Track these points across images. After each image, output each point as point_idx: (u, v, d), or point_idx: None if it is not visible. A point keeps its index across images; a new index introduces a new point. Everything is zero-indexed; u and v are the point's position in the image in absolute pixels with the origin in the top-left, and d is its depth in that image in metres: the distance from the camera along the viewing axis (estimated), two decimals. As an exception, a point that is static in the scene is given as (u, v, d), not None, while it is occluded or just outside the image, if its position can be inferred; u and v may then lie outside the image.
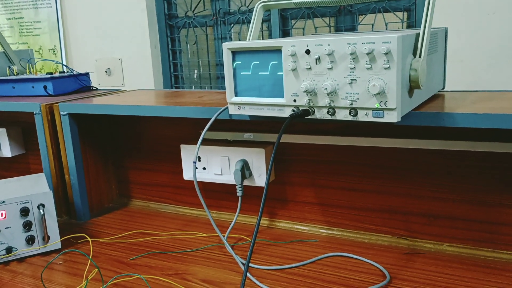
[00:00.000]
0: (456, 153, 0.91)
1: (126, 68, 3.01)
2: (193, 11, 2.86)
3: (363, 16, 2.49)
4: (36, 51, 3.34)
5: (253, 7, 2.67)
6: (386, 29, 2.44)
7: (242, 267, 0.92)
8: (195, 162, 0.96)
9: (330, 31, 2.60)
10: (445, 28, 0.99)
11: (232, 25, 2.78)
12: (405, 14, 2.38)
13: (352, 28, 2.54)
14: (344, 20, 2.52)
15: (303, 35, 2.66)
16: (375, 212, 1.02)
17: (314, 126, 1.02)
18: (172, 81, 3.03)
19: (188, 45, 2.96)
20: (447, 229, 0.96)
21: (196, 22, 2.86)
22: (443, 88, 1.00)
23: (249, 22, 2.70)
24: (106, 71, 3.04)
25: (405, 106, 0.76)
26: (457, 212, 0.94)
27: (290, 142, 1.06)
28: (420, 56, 0.76)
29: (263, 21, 2.66)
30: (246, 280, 0.87)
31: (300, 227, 1.10)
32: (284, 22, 2.65)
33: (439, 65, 0.95)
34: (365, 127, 0.97)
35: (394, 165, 0.98)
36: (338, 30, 2.57)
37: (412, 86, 0.76)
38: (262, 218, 1.14)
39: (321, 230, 1.08)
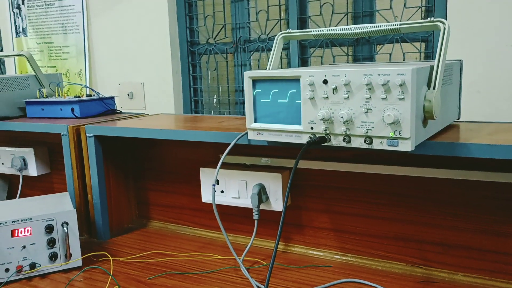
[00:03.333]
0: (472, 183, 0.93)
1: (148, 92, 3.09)
2: (214, 38, 2.95)
3: (381, 46, 2.53)
4: (63, 75, 3.46)
5: (273, 35, 2.73)
6: (404, 59, 2.47)
7: (257, 290, 0.93)
8: (214, 185, 0.99)
9: (348, 61, 2.64)
10: (461, 60, 1.01)
11: (252, 52, 2.85)
12: (423, 44, 2.41)
13: (370, 58, 2.58)
14: (362, 50, 2.57)
15: (321, 63, 2.71)
16: (390, 239, 1.03)
17: (330, 153, 1.05)
18: (192, 106, 3.10)
19: (209, 71, 3.03)
20: (462, 258, 0.96)
21: (217, 49, 2.94)
22: (459, 119, 1.02)
23: (268, 50, 2.77)
24: (128, 95, 3.13)
25: (420, 136, 0.78)
26: (472, 242, 0.94)
27: (306, 168, 1.09)
28: (434, 88, 0.79)
29: (283, 49, 2.72)
30: (260, 302, 0.89)
31: (314, 252, 1.11)
32: (303, 51, 2.70)
33: (454, 96, 0.97)
34: (381, 155, 0.99)
35: (409, 193, 0.99)
36: (356, 59, 2.61)
37: (426, 116, 0.79)
38: (277, 242, 1.16)
39: (335, 256, 1.09)
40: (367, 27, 0.89)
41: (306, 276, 1.01)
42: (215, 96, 3.05)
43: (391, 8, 2.39)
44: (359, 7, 2.50)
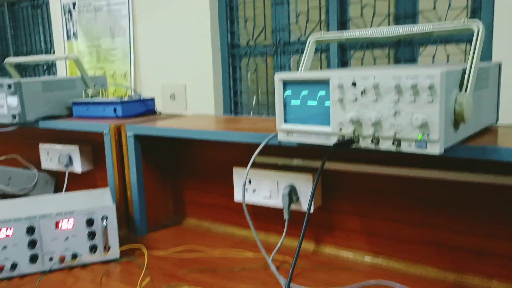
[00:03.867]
0: (508, 189, 0.90)
1: (189, 94, 3.17)
2: (254, 41, 2.98)
3: (424, 47, 2.48)
4: (110, 76, 3.60)
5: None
6: (448, 61, 2.41)
7: (285, 288, 0.95)
8: (244, 185, 1.02)
9: (389, 63, 2.60)
10: (499, 63, 0.99)
11: (291, 54, 2.86)
12: (468, 45, 2.34)
13: (412, 60, 2.53)
14: (404, 52, 2.52)
15: (361, 65, 2.68)
16: (422, 244, 1.02)
17: (363, 155, 1.05)
18: (231, 107, 3.15)
19: (248, 73, 3.07)
20: (496, 267, 0.94)
21: (257, 51, 2.98)
22: (496, 122, 1.00)
23: (308, 52, 2.77)
24: (170, 96, 3.22)
25: (450, 139, 0.77)
26: (507, 250, 0.92)
27: (339, 170, 1.09)
28: (466, 91, 0.78)
29: (322, 51, 2.72)
30: (288, 301, 0.90)
31: (345, 254, 1.11)
32: (343, 53, 2.69)
33: (490, 99, 0.95)
34: (415, 159, 0.99)
35: (443, 198, 0.98)
36: (397, 61, 2.57)
37: (457, 119, 0.78)
38: (308, 243, 1.17)
39: (366, 258, 1.08)
40: (399, 29, 0.89)
41: (336, 277, 1.01)
42: (254, 98, 3.09)
43: (434, 8, 2.34)
44: (402, 8, 2.46)
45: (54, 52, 3.96)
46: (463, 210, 0.96)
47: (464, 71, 0.79)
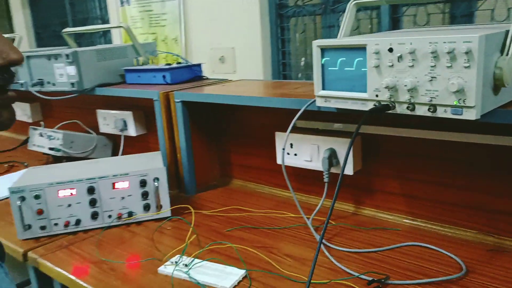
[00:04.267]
0: (551, 153, 0.88)
1: (238, 56, 3.20)
2: (303, 1, 2.93)
3: (482, 1, 2.34)
4: (162, 41, 3.69)
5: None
6: (508, 16, 2.27)
7: (322, 246, 0.99)
8: (283, 149, 1.05)
9: (443, 19, 2.49)
10: (551, 21, 0.94)
11: (340, 13, 2.80)
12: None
13: (469, 15, 2.40)
14: (460, 6, 2.39)
15: (414, 23, 2.58)
16: (461, 207, 1.02)
17: (404, 119, 1.05)
18: (280, 69, 3.15)
19: (297, 33, 3.04)
20: (538, 230, 0.93)
21: (305, 11, 2.93)
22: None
23: (357, 10, 2.70)
24: (220, 59, 3.26)
25: (488, 104, 0.76)
26: (549, 214, 0.91)
27: (379, 134, 1.10)
28: (507, 55, 0.76)
29: (372, 9, 2.63)
30: (325, 259, 0.96)
31: (384, 215, 1.14)
32: (394, 9, 2.59)
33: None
34: (455, 122, 0.98)
35: (483, 161, 0.97)
36: (452, 16, 2.45)
37: (497, 84, 0.76)
38: (348, 204, 1.20)
39: (404, 220, 1.11)
40: (441, -9, 0.87)
41: (373, 237, 1.05)
42: (303, 59, 3.07)
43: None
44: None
45: (108, 18, 4.09)
46: (503, 174, 0.95)
47: (507, 33, 0.77)
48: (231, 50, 3.21)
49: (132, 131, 1.63)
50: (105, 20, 4.19)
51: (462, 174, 1.01)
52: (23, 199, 1.12)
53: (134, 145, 1.72)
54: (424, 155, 1.05)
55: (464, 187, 1.01)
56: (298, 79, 3.11)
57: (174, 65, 1.54)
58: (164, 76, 1.51)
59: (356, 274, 0.88)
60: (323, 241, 1.03)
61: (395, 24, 2.60)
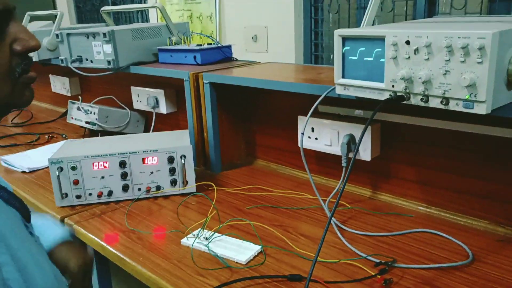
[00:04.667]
0: None
1: (270, 35, 3.21)
2: (338, -19, 2.90)
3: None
4: (197, 18, 3.74)
5: (398, -24, 2.59)
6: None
7: (335, 228, 1.04)
8: (302, 134, 1.10)
9: (482, 1, 2.42)
10: None
11: (375, -6, 2.76)
12: None
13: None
14: (500, -10, 2.32)
15: (451, 6, 2.52)
16: (475, 196, 1.04)
17: (421, 108, 1.07)
18: (312, 49, 3.15)
19: (330, 14, 3.02)
20: (549, 223, 0.95)
21: (340, -8, 2.90)
22: None
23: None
24: (252, 38, 3.29)
25: (500, 99, 0.78)
26: (561, 208, 0.92)
27: (399, 122, 1.12)
28: (522, 51, 0.77)
29: (409, -9, 2.58)
30: (338, 240, 1.01)
31: (399, 201, 1.17)
32: (431, -7, 2.54)
33: None
34: (473, 114, 0.99)
35: (498, 152, 0.99)
36: (492, 0, 2.38)
37: (510, 80, 0.78)
38: (365, 189, 1.24)
39: (419, 207, 1.14)
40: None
41: (387, 222, 1.09)
42: (335, 40, 3.05)
43: None
44: None
45: (145, -4, 4.16)
46: (519, 167, 0.96)
47: (524, 29, 0.78)
48: (263, 29, 3.22)
49: (163, 108, 1.70)
50: (143, -4, 4.26)
51: (476, 165, 1.03)
52: (61, 169, 1.21)
53: (165, 122, 1.80)
54: (440, 144, 1.08)
55: (478, 177, 1.03)
56: (330, 59, 3.11)
57: (205, 46, 1.59)
58: (195, 57, 1.57)
59: (364, 255, 0.93)
60: (338, 223, 1.07)
61: (430, 7, 2.55)
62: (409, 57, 0.83)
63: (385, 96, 0.89)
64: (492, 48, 0.73)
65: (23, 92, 0.66)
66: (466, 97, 0.77)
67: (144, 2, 4.24)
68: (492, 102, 0.76)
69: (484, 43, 0.73)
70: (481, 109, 0.76)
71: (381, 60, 0.89)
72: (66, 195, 1.23)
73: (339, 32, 0.95)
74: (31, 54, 0.68)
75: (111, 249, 1.03)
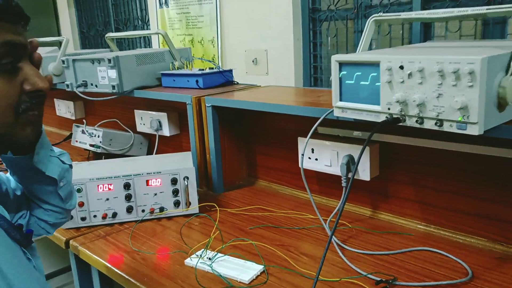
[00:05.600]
0: (559, 167, 0.92)
1: (270, 59, 3.28)
2: (335, 5, 2.98)
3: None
4: (198, 42, 3.82)
5: (396, 0, 2.66)
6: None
7: (336, 247, 1.06)
8: (303, 155, 1.13)
9: (476, 25, 2.48)
10: None
11: (373, 18, 2.83)
12: None
13: (503, 22, 2.38)
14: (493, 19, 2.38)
15: (446, 29, 2.58)
16: (473, 215, 1.07)
17: (419, 129, 1.10)
18: (311, 72, 3.21)
19: (329, 37, 3.09)
20: (545, 241, 0.97)
21: (338, 16, 2.97)
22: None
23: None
24: (253, 61, 3.35)
25: (492, 120, 0.81)
26: (556, 226, 0.95)
27: (397, 143, 1.16)
28: (511, 75, 0.81)
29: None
30: (339, 259, 1.03)
31: (399, 220, 1.19)
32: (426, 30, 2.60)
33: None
34: (469, 135, 1.02)
35: (494, 173, 1.02)
36: (485, 23, 2.44)
37: (501, 102, 0.81)
38: (365, 208, 1.27)
39: (418, 226, 1.16)
40: (454, 12, 0.92)
41: (386, 241, 1.11)
42: (334, 63, 3.11)
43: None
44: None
45: (148, 19, 4.26)
46: (514, 186, 0.99)
47: (512, 54, 0.82)
48: (264, 53, 3.29)
49: (166, 131, 1.74)
50: (145, 21, 4.36)
51: (473, 184, 1.05)
52: (67, 192, 1.24)
53: (168, 144, 1.83)
54: (438, 164, 1.10)
55: (476, 196, 1.06)
56: (329, 81, 3.16)
57: (207, 70, 1.64)
58: (197, 81, 1.61)
59: (365, 273, 0.95)
60: (339, 242, 1.09)
61: (426, 30, 2.61)
62: (403, 81, 0.87)
63: (382, 118, 0.93)
64: (481, 73, 0.76)
65: (25, 127, 0.69)
66: (459, 119, 0.80)
67: (147, 27, 4.33)
68: (484, 124, 0.79)
69: (474, 68, 0.76)
70: (473, 130, 0.80)
71: (377, 84, 0.92)
72: (72, 217, 1.26)
73: (336, 58, 0.99)
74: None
75: (116, 270, 1.05)
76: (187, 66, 1.77)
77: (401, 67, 0.87)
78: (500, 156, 0.99)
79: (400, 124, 0.90)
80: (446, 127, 0.83)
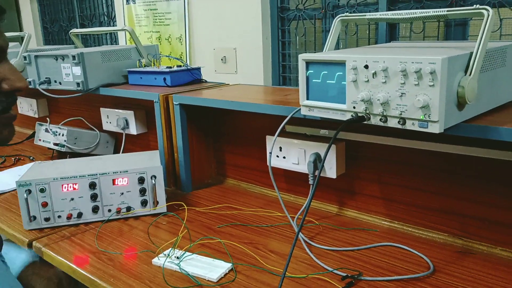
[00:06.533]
0: (515, 164, 0.96)
1: (239, 57, 3.28)
2: (304, 4, 3.01)
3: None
4: (165, 39, 3.77)
5: (362, 1, 2.71)
6: (500, 25, 2.34)
7: (303, 243, 1.08)
8: (270, 153, 1.14)
9: (438, 26, 2.56)
10: (520, 41, 1.01)
11: (340, 18, 2.87)
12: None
13: (464, 23, 2.47)
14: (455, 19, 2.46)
15: (410, 30, 2.65)
16: (434, 211, 1.10)
17: (383, 128, 1.13)
18: (280, 70, 3.23)
19: (297, 36, 3.12)
20: (502, 234, 1.01)
21: (306, 15, 3.01)
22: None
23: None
24: (222, 59, 3.35)
25: (452, 118, 0.84)
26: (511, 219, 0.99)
27: (362, 141, 1.18)
28: (470, 74, 0.84)
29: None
30: (306, 255, 1.04)
31: (364, 217, 1.22)
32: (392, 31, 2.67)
33: (510, 77, 0.99)
34: (430, 133, 1.06)
35: (454, 169, 1.05)
36: (447, 25, 2.52)
37: (460, 101, 0.84)
38: (332, 205, 1.29)
39: (383, 222, 1.19)
40: (416, 13, 0.95)
41: (352, 237, 1.13)
42: (302, 62, 3.14)
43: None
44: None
45: (114, 15, 4.18)
46: (473, 182, 1.03)
47: (471, 55, 0.85)
48: (232, 51, 3.29)
49: (133, 129, 1.71)
50: (111, 17, 4.27)
51: (435, 180, 1.09)
52: (29, 192, 1.20)
53: (135, 143, 1.80)
54: (402, 161, 1.13)
55: (438, 192, 1.09)
56: (298, 80, 3.19)
57: (175, 68, 1.62)
58: (164, 79, 1.59)
59: (331, 269, 0.96)
60: (306, 239, 1.11)
61: (392, 31, 2.67)
62: (368, 80, 0.89)
63: (347, 116, 0.95)
64: (442, 73, 0.79)
65: (2, 130, 0.68)
66: (421, 117, 0.83)
67: (113, 24, 4.25)
68: (444, 122, 0.82)
69: (435, 68, 0.79)
70: (434, 128, 0.82)
71: (343, 83, 0.94)
72: (35, 218, 1.22)
73: (303, 57, 1.00)
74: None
75: (82, 271, 1.03)
76: (154, 64, 1.75)
77: (366, 67, 0.88)
78: (458, 154, 1.02)
79: (365, 122, 0.92)
80: (409, 126, 0.86)
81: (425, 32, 2.58)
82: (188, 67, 1.65)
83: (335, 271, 0.96)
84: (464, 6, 2.33)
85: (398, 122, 0.87)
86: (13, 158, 1.92)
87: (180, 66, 1.68)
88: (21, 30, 5.14)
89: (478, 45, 0.84)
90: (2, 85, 0.65)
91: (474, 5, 0.86)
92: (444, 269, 0.97)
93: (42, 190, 1.21)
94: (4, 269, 0.68)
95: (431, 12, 0.92)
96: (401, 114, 0.86)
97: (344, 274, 0.94)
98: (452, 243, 1.07)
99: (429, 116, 0.82)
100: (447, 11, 0.91)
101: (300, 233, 1.13)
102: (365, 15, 1.04)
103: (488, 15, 0.84)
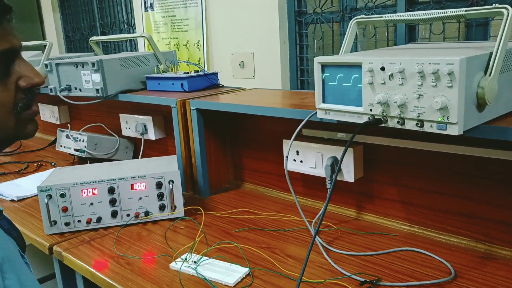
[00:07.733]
0: (539, 166, 0.93)
1: (257, 62, 3.28)
2: (321, 8, 2.99)
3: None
4: (184, 45, 3.81)
5: (380, 3, 2.69)
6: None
7: (321, 248, 1.07)
8: (287, 157, 1.13)
9: (459, 27, 2.51)
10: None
11: (358, 21, 2.85)
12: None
13: (485, 24, 2.42)
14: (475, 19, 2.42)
15: (430, 31, 2.61)
16: (455, 215, 1.08)
17: (402, 130, 1.11)
18: (297, 74, 3.22)
19: (315, 40, 3.11)
20: (526, 239, 0.98)
21: (323, 18, 2.99)
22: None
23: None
24: (240, 64, 3.35)
25: (472, 120, 0.82)
26: (536, 224, 0.96)
27: (380, 144, 1.17)
28: (490, 75, 0.82)
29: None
30: (324, 260, 1.03)
31: (383, 221, 1.20)
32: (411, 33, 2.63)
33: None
34: (449, 135, 1.03)
35: (475, 172, 1.03)
36: (468, 25, 2.47)
37: (480, 102, 0.82)
38: (350, 209, 1.27)
39: (402, 226, 1.17)
40: (434, 13, 0.93)
41: (371, 241, 1.11)
42: (320, 65, 3.13)
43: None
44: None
45: (134, 22, 4.24)
46: (495, 184, 1.00)
47: (491, 54, 0.83)
48: (250, 56, 3.29)
49: (151, 135, 1.73)
50: (131, 24, 4.34)
51: (457, 184, 1.06)
52: (50, 197, 1.23)
53: (154, 148, 1.82)
54: (421, 164, 1.11)
55: (459, 196, 1.07)
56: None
57: (192, 73, 1.63)
58: (182, 84, 1.61)
59: (349, 274, 0.95)
60: (324, 243, 1.10)
61: (411, 33, 2.64)
62: (384, 83, 0.88)
63: (364, 119, 0.93)
64: (460, 73, 0.77)
65: (26, 125, 0.70)
66: (439, 119, 0.81)
67: (133, 31, 4.31)
68: (464, 124, 0.80)
69: (453, 68, 0.77)
70: (453, 130, 0.81)
71: (359, 85, 0.93)
72: (55, 222, 1.24)
73: (318, 60, 0.99)
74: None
75: (101, 275, 1.04)
76: (172, 70, 1.77)
77: (382, 68, 0.87)
78: (479, 156, 1.00)
79: (382, 125, 0.90)
80: (427, 128, 0.84)
81: (445, 33, 2.53)
82: (205, 72, 1.66)
83: (353, 276, 0.95)
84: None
85: (416, 124, 0.85)
86: (35, 164, 1.96)
87: (198, 71, 1.68)
88: (44, 39, 5.26)
89: (498, 45, 0.82)
90: (20, 82, 0.67)
91: (494, 4, 0.84)
92: (466, 274, 0.94)
93: (62, 195, 1.23)
94: (29, 272, 0.69)
95: (448, 12, 0.91)
96: (418, 116, 0.84)
97: (363, 280, 0.93)
98: (474, 248, 1.05)
99: (447, 118, 0.80)
100: (465, 10, 0.89)
101: (317, 237, 1.12)
102: (381, 17, 1.03)
103: (508, 14, 0.82)
